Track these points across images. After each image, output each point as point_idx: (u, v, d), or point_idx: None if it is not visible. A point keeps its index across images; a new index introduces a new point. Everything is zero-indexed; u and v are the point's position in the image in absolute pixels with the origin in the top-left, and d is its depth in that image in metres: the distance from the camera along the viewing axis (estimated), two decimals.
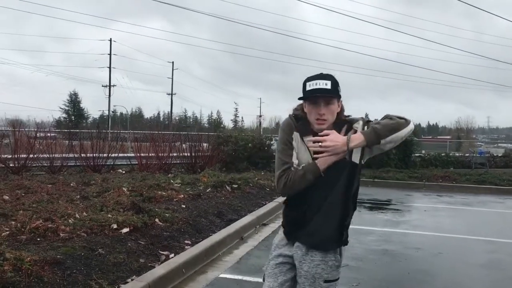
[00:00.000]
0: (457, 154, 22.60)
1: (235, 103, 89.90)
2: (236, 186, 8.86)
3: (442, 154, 20.78)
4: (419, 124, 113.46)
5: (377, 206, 9.58)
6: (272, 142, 15.01)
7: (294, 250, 2.29)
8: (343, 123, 2.25)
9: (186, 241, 5.30)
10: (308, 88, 2.20)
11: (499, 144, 52.01)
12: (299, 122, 2.26)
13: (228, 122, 75.87)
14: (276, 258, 2.34)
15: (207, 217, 6.50)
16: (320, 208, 2.20)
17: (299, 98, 2.26)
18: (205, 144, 13.64)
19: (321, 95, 2.17)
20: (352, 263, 5.10)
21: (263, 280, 2.36)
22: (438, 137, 71.73)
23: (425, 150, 24.44)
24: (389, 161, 16.33)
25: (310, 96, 2.19)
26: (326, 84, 2.17)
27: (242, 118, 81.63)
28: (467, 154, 21.76)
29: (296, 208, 2.28)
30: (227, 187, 8.67)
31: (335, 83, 2.21)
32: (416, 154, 19.46)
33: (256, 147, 13.87)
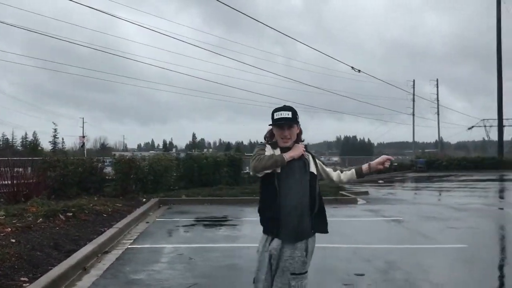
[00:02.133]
0: None
1: (54, 124, 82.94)
2: (71, 214, 8.33)
3: None
4: (242, 142, 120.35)
5: (216, 223, 9.95)
6: (106, 164, 14.40)
7: (273, 249, 2.97)
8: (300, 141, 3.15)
9: (22, 278, 4.85)
10: (275, 117, 3.03)
11: None
12: (270, 142, 3.14)
13: (46, 144, 69.61)
14: (262, 255, 3.04)
15: (43, 250, 6.00)
16: (293, 208, 2.94)
17: (270, 125, 3.08)
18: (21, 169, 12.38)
19: (285, 122, 3.00)
20: (201, 281, 5.27)
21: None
22: None
23: (249, 166, 25.98)
24: (221, 179, 17.07)
25: (277, 123, 3.02)
26: (288, 114, 3.02)
27: (62, 139, 75.80)
28: None
29: (271, 209, 3.00)
30: (61, 216, 8.10)
31: (294, 113, 3.06)
32: (244, 171, 20.69)
33: (87, 171, 13.16)
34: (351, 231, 8.99)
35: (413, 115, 60.20)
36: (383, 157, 3.19)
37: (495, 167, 38.23)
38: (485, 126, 58.65)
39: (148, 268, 5.90)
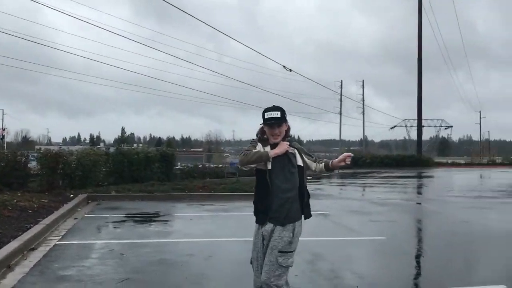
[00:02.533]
0: (212, 166, 24.73)
1: None
2: None
3: (200, 166, 22.48)
4: (174, 137, 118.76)
5: (148, 219, 9.89)
6: (30, 159, 13.75)
7: (265, 231, 3.43)
8: (288, 141, 3.49)
9: None
10: (266, 117, 3.40)
11: None
12: (261, 139, 3.51)
13: None
14: (256, 238, 3.52)
15: None
16: (283, 201, 3.36)
17: (261, 124, 3.46)
18: None
19: (275, 122, 3.38)
20: (133, 276, 5.28)
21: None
22: (192, 149, 76.05)
23: (181, 162, 25.89)
24: (152, 174, 16.88)
25: (267, 123, 3.38)
26: (277, 114, 3.39)
27: None
28: (220, 165, 24.02)
29: (262, 204, 3.43)
30: None
31: (283, 112, 3.44)
32: (176, 167, 20.59)
33: (9, 165, 12.52)
34: None
35: (340, 114, 62.68)
36: (344, 154, 3.46)
37: (414, 165, 40.77)
38: (406, 126, 62.27)
39: (78, 264, 5.81)
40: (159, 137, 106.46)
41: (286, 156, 3.41)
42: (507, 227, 9.19)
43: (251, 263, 3.59)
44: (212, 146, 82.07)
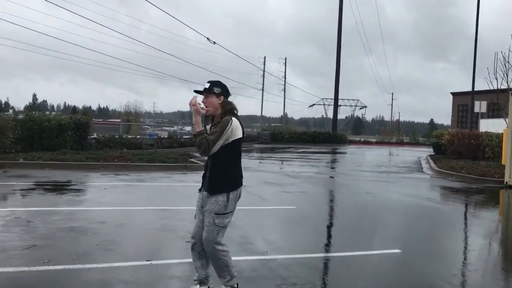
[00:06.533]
0: (130, 137, 24.18)
1: None
2: None
3: (116, 136, 21.90)
4: (90, 107, 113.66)
5: (59, 187, 9.57)
6: None
7: (201, 197, 3.65)
8: (225, 112, 3.47)
9: None
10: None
11: (163, 127, 57.50)
12: (207, 117, 3.56)
13: None
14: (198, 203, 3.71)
15: None
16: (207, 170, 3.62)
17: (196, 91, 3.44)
18: None
19: (202, 91, 3.41)
20: (40, 242, 5.18)
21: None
22: (109, 120, 73.61)
23: (97, 132, 25.09)
24: (65, 143, 16.22)
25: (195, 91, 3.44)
26: (206, 85, 3.39)
27: None
28: (138, 136, 23.55)
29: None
30: None
31: (213, 84, 3.40)
32: (92, 136, 19.91)
33: None
34: None
35: (263, 90, 63.27)
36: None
37: (329, 141, 42.57)
38: (324, 104, 64.46)
39: None
40: (74, 106, 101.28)
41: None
42: (405, 199, 10.03)
43: (194, 218, 3.78)
44: (131, 117, 79.66)
